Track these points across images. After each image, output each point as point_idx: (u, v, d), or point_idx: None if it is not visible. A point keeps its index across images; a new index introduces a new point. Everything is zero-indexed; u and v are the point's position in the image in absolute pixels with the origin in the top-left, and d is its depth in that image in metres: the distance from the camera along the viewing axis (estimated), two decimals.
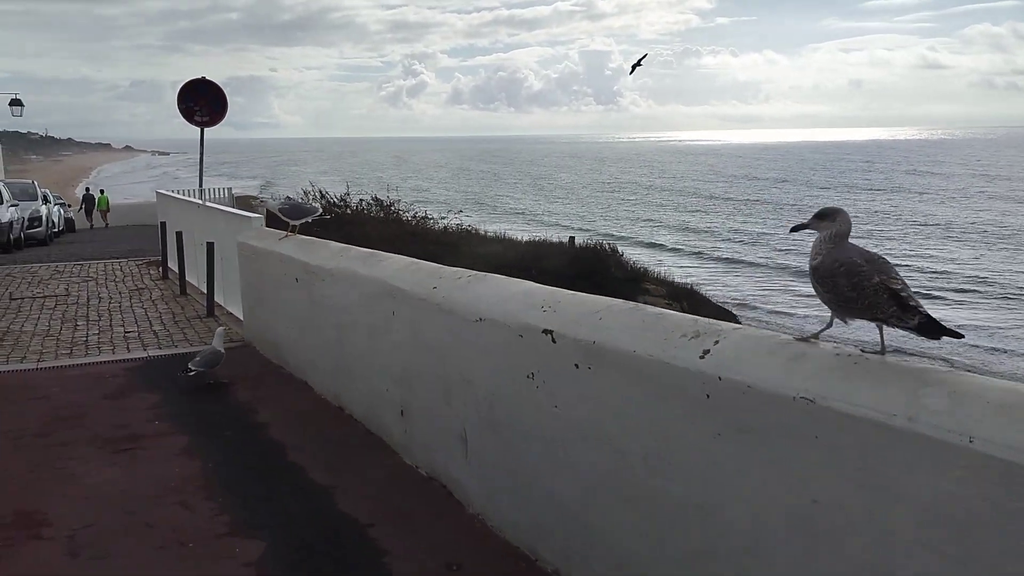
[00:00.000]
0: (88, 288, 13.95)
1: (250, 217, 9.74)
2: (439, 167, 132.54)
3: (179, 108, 16.00)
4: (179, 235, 12.84)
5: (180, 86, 15.94)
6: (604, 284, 24.40)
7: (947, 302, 33.30)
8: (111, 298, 12.93)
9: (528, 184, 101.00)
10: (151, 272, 15.47)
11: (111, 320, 11.21)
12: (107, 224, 36.73)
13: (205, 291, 12.15)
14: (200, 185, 16.41)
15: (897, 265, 3.03)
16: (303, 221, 8.76)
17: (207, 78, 16.06)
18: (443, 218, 23.55)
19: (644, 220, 61.30)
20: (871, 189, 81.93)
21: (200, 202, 12.79)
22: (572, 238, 30.44)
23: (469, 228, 25.25)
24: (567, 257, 25.49)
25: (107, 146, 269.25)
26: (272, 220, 9.71)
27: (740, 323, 25.97)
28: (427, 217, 23.46)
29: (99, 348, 9.62)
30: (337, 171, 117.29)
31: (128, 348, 9.55)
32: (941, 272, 39.20)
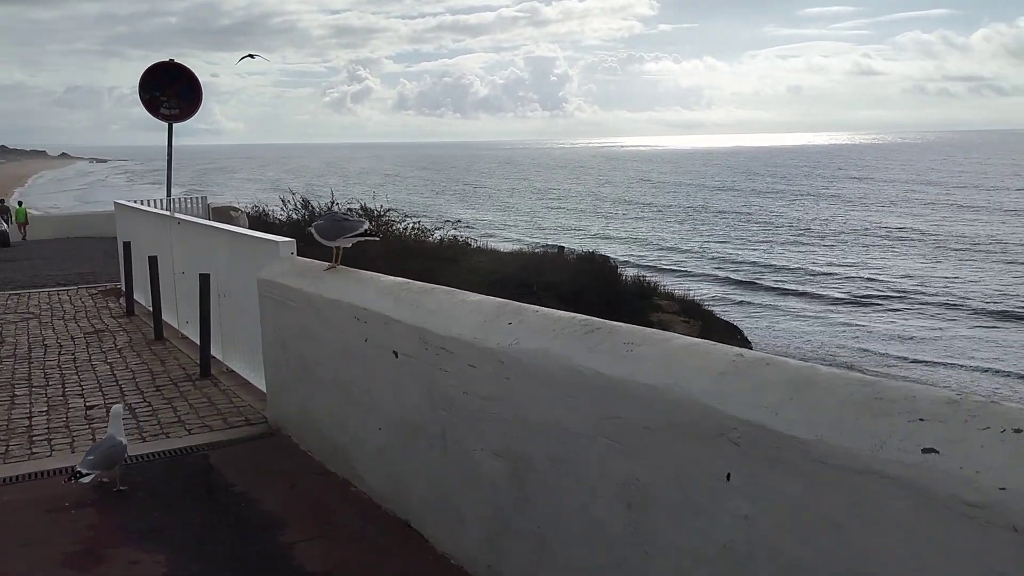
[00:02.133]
0: (29, 330, 10.36)
1: (276, 241, 6.44)
2: (370, 173, 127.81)
3: (141, 99, 12.41)
4: (152, 261, 9.41)
5: (142, 72, 12.41)
6: (616, 300, 21.49)
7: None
8: (61, 345, 9.39)
9: (456, 191, 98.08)
10: (110, 305, 11.86)
11: (64, 385, 7.76)
12: (24, 237, 32.19)
13: (197, 341, 8.77)
14: (168, 194, 12.89)
15: None
16: (347, 243, 5.61)
17: (175, 61, 12.57)
18: (438, 229, 20.36)
19: (569, 228, 58.87)
20: (813, 195, 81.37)
21: (183, 217, 9.37)
22: (561, 248, 27.48)
23: (461, 240, 22.09)
24: (567, 271, 22.46)
25: (42, 153, 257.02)
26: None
27: (750, 345, 23.20)
28: (418, 229, 20.21)
29: (48, 441, 6.22)
30: (265, 179, 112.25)
31: (94, 437, 6.17)
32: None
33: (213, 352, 7.94)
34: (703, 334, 20.88)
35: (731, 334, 22.92)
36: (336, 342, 5.08)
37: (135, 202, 12.51)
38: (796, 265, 42.95)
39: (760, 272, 41.35)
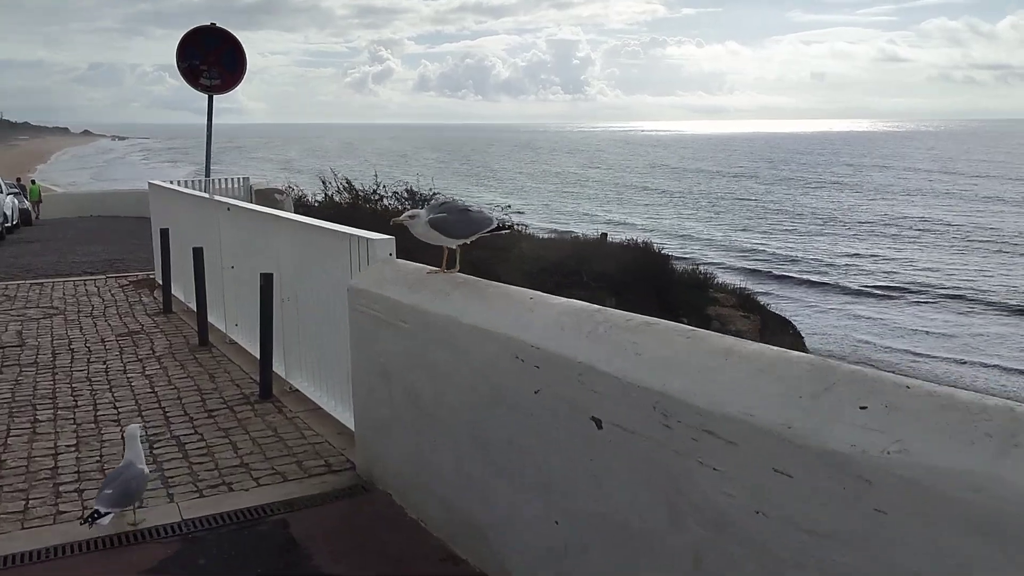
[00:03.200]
0: (53, 329, 8.91)
1: (369, 239, 4.94)
2: (384, 154, 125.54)
3: (179, 67, 10.94)
4: (197, 253, 7.92)
5: (181, 37, 10.92)
6: (667, 291, 19.93)
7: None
8: (90, 351, 7.93)
9: (468, 173, 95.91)
10: (143, 300, 10.38)
11: (95, 406, 6.30)
12: (38, 216, 30.74)
13: (248, 348, 7.32)
14: (207, 175, 11.41)
15: None
16: (471, 239, 4.20)
17: (217, 25, 11.06)
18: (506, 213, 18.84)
19: (585, 214, 56.88)
20: (836, 183, 79.24)
21: (234, 203, 7.84)
22: (604, 234, 25.86)
23: (513, 227, 20.56)
24: (614, 260, 20.87)
25: (65, 130, 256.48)
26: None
27: (805, 345, 21.56)
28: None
29: (79, 493, 4.76)
30: (279, 159, 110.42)
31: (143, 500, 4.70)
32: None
33: (276, 369, 6.45)
34: (762, 330, 19.34)
35: (784, 329, 21.38)
36: (480, 385, 3.59)
37: (172, 182, 10.98)
38: (818, 256, 41.11)
39: (782, 263, 39.57)
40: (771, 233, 48.88)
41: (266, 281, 6.22)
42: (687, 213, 58.43)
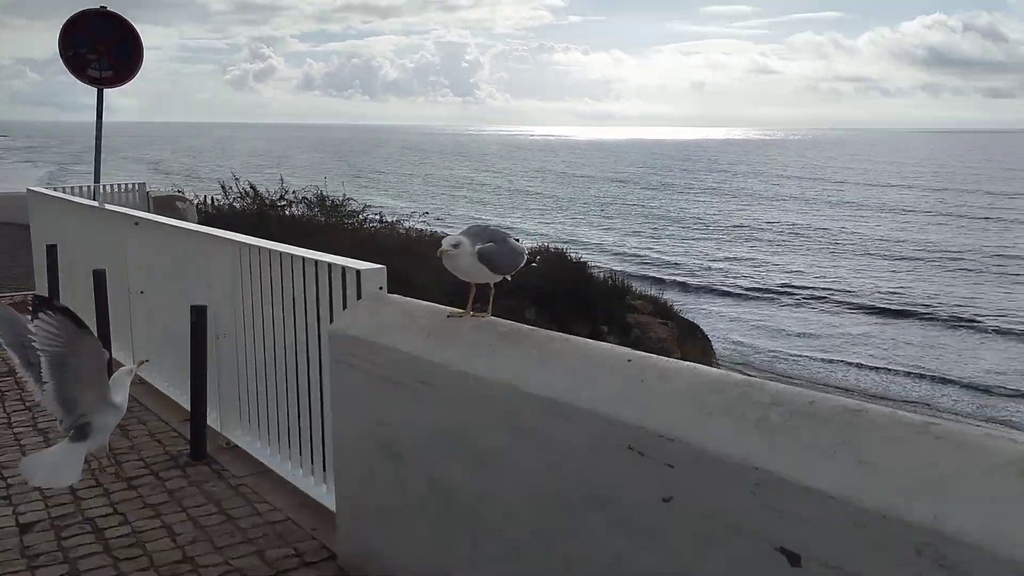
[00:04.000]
0: None
1: (359, 269, 3.84)
2: (260, 155, 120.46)
3: (62, 56, 9.41)
4: (99, 277, 6.47)
5: (64, 21, 9.36)
6: (590, 299, 19.32)
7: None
8: None
9: (348, 175, 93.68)
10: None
11: None
12: None
13: (169, 393, 6.05)
14: (96, 180, 9.85)
15: None
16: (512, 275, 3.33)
17: (107, 9, 9.55)
18: (404, 219, 17.66)
19: (470, 219, 56.44)
20: (712, 189, 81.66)
21: (144, 216, 6.44)
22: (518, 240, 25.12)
23: (426, 233, 19.50)
24: (536, 270, 20.09)
25: None
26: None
27: (711, 344, 21.55)
28: (374, 219, 17.44)
29: None
30: (145, 159, 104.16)
31: None
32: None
33: (208, 419, 5.22)
34: (681, 337, 19.02)
35: (693, 334, 21.20)
36: (561, 482, 2.62)
37: (59, 190, 9.33)
38: (698, 261, 41.98)
39: (668, 267, 40.13)
40: (659, 238, 49.56)
41: (198, 315, 4.99)
42: (578, 218, 58.53)
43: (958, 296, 34.43)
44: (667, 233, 51.47)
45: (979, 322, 30.67)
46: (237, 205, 14.60)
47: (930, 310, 32.43)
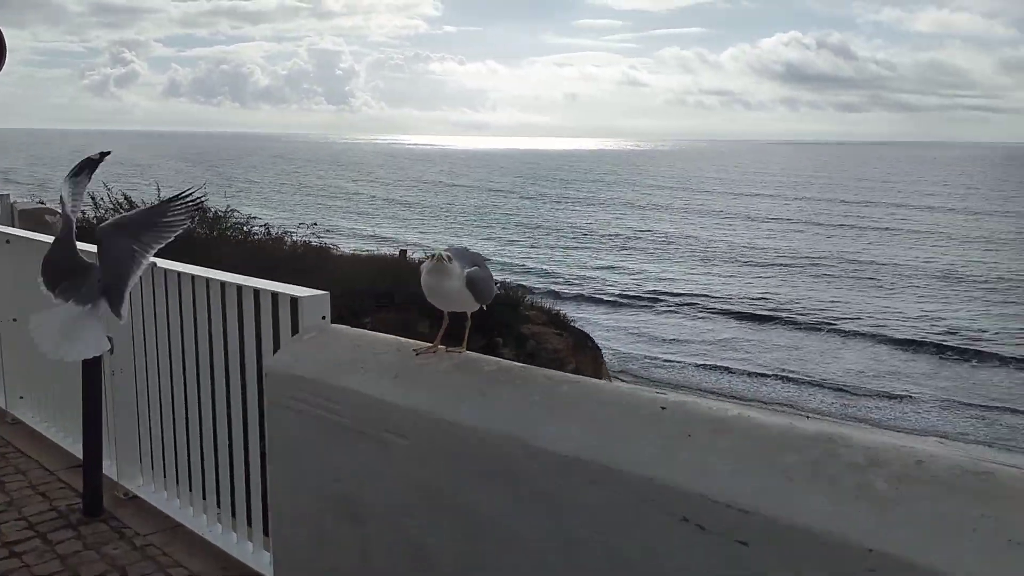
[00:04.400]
0: None
1: (297, 296, 3.31)
2: (118, 164, 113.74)
3: None
4: None
5: None
6: (483, 311, 18.96)
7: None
8: None
9: (216, 185, 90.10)
10: None
11: None
12: None
13: (46, 433, 5.25)
14: None
15: None
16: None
17: None
18: (290, 233, 16.72)
19: (345, 230, 55.21)
20: (586, 199, 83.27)
21: (16, 233, 5.56)
22: (404, 251, 24.55)
23: (318, 245, 18.56)
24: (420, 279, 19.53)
25: None
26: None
27: (601, 353, 21.79)
28: (254, 231, 16.44)
29: None
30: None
31: None
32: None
33: (104, 467, 4.50)
34: (575, 348, 18.96)
35: (584, 343, 21.25)
36: (588, 553, 2.23)
37: None
38: (574, 270, 42.65)
39: (545, 277, 40.50)
40: (537, 247, 49.91)
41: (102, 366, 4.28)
42: (455, 228, 58.22)
43: (819, 300, 36.36)
44: (545, 242, 51.92)
45: (837, 325, 32.44)
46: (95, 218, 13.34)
47: (793, 314, 34.06)
